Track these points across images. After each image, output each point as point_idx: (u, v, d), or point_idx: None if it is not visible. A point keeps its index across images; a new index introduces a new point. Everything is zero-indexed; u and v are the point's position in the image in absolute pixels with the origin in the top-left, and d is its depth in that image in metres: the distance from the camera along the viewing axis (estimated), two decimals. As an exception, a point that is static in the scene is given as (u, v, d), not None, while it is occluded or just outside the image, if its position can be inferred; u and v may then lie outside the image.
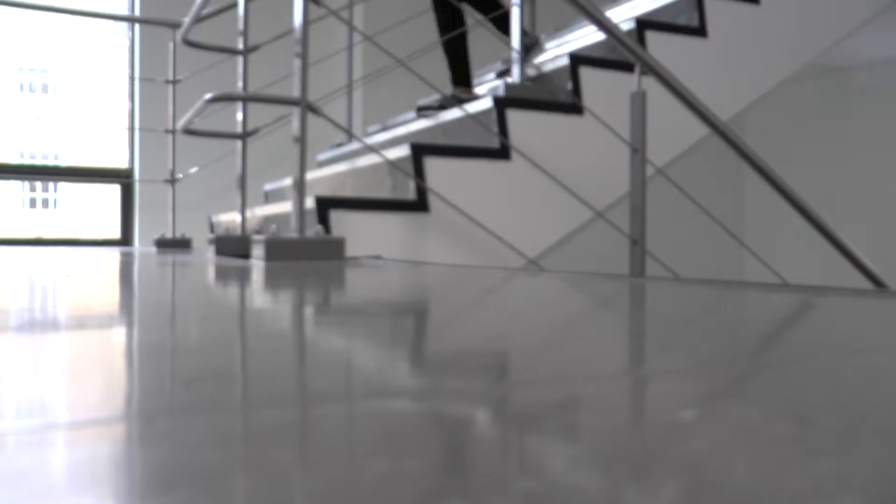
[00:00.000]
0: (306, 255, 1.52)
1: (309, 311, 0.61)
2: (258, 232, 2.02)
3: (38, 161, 22.78)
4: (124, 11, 3.80)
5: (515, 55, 2.16)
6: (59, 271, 1.19)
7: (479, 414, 0.25)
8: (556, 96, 2.14)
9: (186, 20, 2.11)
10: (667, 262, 1.94)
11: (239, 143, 2.14)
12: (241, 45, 2.10)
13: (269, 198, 3.02)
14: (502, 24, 2.37)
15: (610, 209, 2.09)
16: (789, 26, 2.53)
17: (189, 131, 1.91)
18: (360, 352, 0.38)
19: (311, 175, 2.54)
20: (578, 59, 2.14)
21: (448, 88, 2.44)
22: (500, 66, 2.54)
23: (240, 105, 2.16)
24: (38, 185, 23.73)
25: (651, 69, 1.70)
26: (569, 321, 0.53)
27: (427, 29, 3.23)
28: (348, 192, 2.27)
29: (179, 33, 2.22)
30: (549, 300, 0.70)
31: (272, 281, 0.95)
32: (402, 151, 1.90)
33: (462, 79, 2.37)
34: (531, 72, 2.30)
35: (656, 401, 0.27)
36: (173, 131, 2.87)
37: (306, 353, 0.38)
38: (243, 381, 0.30)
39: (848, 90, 5.30)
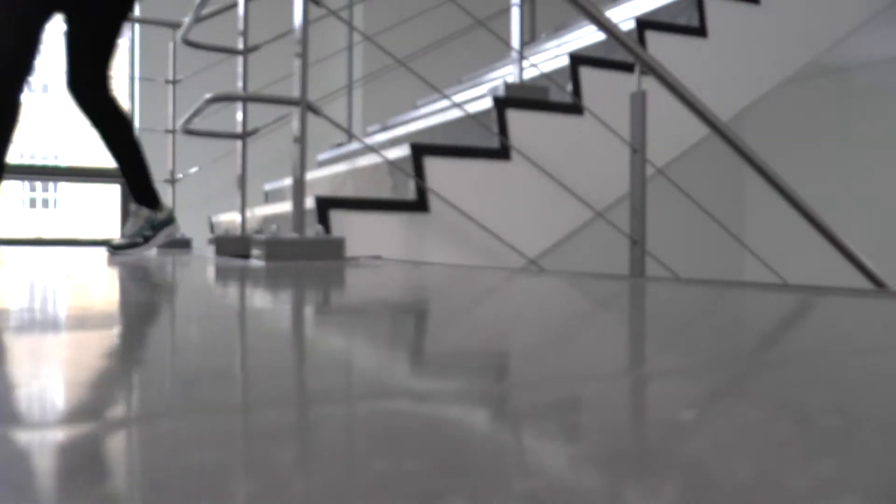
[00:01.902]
0: (306, 255, 1.52)
1: (309, 311, 0.61)
2: (258, 232, 2.02)
3: (38, 161, 22.78)
4: (124, 11, 3.80)
5: (515, 55, 2.16)
6: (59, 271, 1.19)
7: (479, 414, 0.25)
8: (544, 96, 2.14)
9: (186, 20, 2.11)
10: (667, 262, 1.94)
11: (239, 143, 2.14)
12: (241, 45, 2.10)
13: (269, 198, 3.02)
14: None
15: (610, 209, 2.09)
16: (789, 26, 2.53)
17: (189, 131, 1.91)
18: (360, 352, 0.38)
19: (311, 175, 2.54)
20: (578, 59, 2.14)
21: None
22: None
23: (240, 105, 2.16)
24: (38, 185, 23.73)
25: (651, 69, 1.70)
26: (569, 321, 0.53)
27: (427, 29, 3.23)
28: (348, 192, 2.27)
29: (179, 33, 2.22)
30: (550, 300, 0.70)
31: (272, 281, 0.95)
32: (402, 151, 1.90)
33: (145, 197, 2.02)
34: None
35: (657, 401, 0.27)
36: (173, 131, 2.87)
37: (306, 352, 0.38)
38: (243, 381, 0.30)
39: (848, 90, 5.30)
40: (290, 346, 0.40)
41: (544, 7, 3.16)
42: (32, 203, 23.99)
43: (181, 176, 3.00)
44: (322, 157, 3.07)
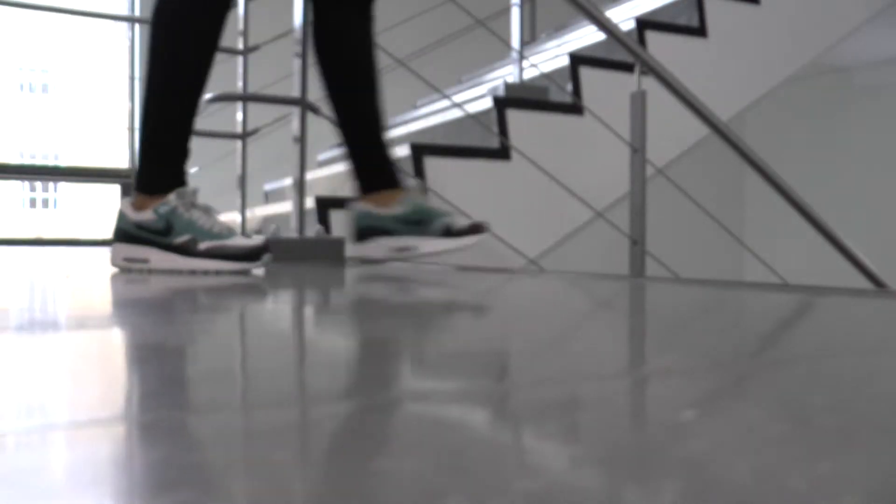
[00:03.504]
0: (306, 255, 1.52)
1: (309, 311, 0.61)
2: (258, 232, 2.02)
3: (38, 161, 22.76)
4: (124, 11, 3.79)
5: (515, 55, 2.16)
6: (59, 271, 1.19)
7: (480, 414, 0.25)
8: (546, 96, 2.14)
9: (186, 20, 2.10)
10: (667, 262, 1.95)
11: (239, 143, 2.14)
12: (241, 45, 2.10)
13: (269, 198, 3.02)
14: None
15: (610, 209, 2.09)
16: (789, 26, 2.53)
17: (189, 131, 1.90)
18: (359, 352, 0.38)
19: (311, 175, 2.54)
20: (578, 59, 2.14)
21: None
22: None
23: (240, 105, 2.16)
24: (38, 185, 23.72)
25: (651, 69, 1.70)
26: (570, 321, 0.53)
27: (427, 29, 3.23)
28: (348, 192, 2.27)
29: (179, 33, 2.21)
30: (550, 300, 0.70)
31: (272, 281, 0.95)
32: (402, 151, 1.90)
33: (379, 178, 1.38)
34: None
35: (657, 401, 0.27)
36: (173, 131, 2.86)
37: (306, 353, 0.38)
38: (243, 381, 0.30)
39: (848, 90, 5.30)
40: (290, 347, 0.40)
41: (544, 7, 3.16)
42: (32, 203, 23.99)
43: (181, 176, 2.99)
44: (322, 157, 3.07)
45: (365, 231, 1.32)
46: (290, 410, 0.25)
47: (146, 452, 0.20)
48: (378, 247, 1.30)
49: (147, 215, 1.19)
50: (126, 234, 1.19)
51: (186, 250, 1.17)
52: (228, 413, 0.25)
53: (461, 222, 1.33)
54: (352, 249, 1.32)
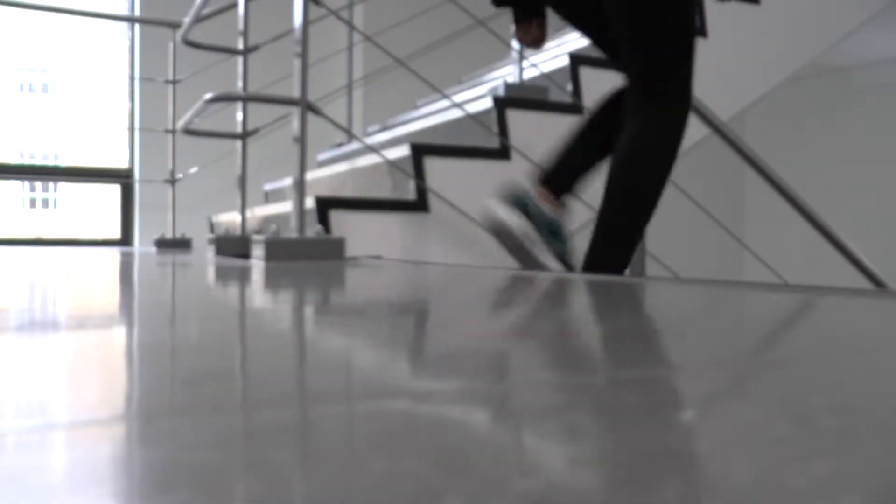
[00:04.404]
0: (306, 255, 1.52)
1: (309, 311, 0.61)
2: (258, 232, 2.02)
3: (38, 161, 22.75)
4: (124, 11, 3.80)
5: (515, 55, 2.16)
6: (59, 271, 1.19)
7: (479, 414, 0.25)
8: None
9: (186, 20, 2.11)
10: (667, 262, 1.95)
11: (239, 143, 2.14)
12: (241, 45, 2.10)
13: (269, 198, 3.02)
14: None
15: (610, 209, 2.09)
16: (789, 26, 2.53)
17: (189, 131, 1.91)
18: (360, 352, 0.38)
19: (311, 175, 2.54)
20: (578, 59, 2.14)
21: None
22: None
23: (240, 105, 2.16)
24: (38, 185, 23.71)
25: (651, 69, 1.70)
26: (569, 321, 0.53)
27: (427, 29, 3.23)
28: (348, 192, 2.27)
29: (179, 33, 2.22)
30: (550, 300, 0.70)
31: (272, 281, 0.95)
32: (402, 151, 1.90)
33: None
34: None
35: (658, 401, 0.27)
36: (173, 131, 2.87)
37: (306, 353, 0.38)
38: (243, 381, 0.30)
39: (848, 90, 5.30)
40: (290, 347, 0.40)
41: (544, 7, 3.15)
42: (32, 203, 23.99)
43: (181, 176, 3.00)
44: (322, 157, 3.07)
45: (516, 203, 1.38)
46: (290, 410, 0.25)
47: (146, 452, 0.20)
48: (512, 219, 1.36)
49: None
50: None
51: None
52: (228, 413, 0.25)
53: (570, 256, 1.41)
54: (493, 203, 1.39)
